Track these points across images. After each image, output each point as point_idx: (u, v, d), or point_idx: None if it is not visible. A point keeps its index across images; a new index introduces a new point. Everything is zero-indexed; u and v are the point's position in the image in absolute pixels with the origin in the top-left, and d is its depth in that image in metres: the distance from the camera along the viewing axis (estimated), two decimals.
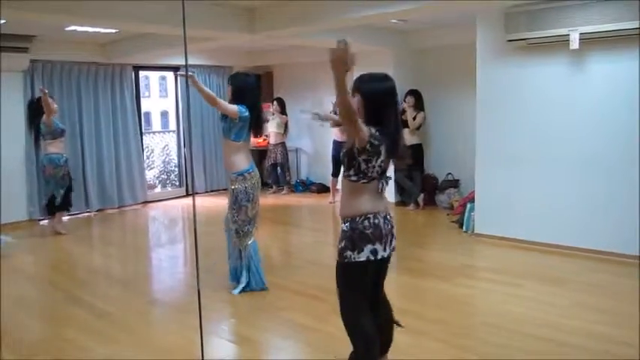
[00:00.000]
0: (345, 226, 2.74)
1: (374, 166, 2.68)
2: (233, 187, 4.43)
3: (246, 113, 4.34)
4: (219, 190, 9.93)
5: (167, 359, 3.47)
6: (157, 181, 10.28)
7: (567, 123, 5.55)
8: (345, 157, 2.72)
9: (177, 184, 10.09)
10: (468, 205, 6.56)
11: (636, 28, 4.82)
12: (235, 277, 4.73)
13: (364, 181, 2.70)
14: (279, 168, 9.55)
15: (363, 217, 2.70)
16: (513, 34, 5.56)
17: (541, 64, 5.67)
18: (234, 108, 4.31)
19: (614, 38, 5.08)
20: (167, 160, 10.31)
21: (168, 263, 5.99)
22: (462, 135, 7.71)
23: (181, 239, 7.21)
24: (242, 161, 4.41)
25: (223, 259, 5.49)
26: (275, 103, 9.45)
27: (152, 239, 7.22)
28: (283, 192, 9.60)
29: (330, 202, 8.65)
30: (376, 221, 2.71)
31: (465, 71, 7.01)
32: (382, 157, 2.68)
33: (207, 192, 9.85)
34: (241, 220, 4.48)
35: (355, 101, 2.70)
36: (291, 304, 4.44)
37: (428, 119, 8.06)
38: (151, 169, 10.17)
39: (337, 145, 8.48)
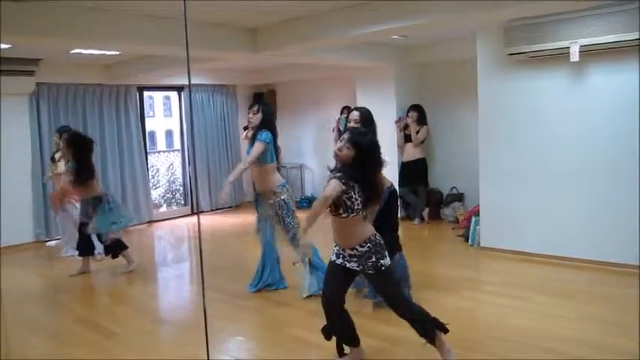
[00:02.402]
0: (366, 247, 3.24)
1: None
2: (280, 197, 4.82)
3: (270, 137, 4.76)
4: (224, 208, 9.95)
5: None
6: (163, 201, 10.32)
7: (569, 135, 5.57)
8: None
9: (183, 202, 10.12)
10: (474, 219, 6.55)
11: (636, 39, 4.84)
12: (262, 283, 5.11)
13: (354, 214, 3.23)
14: None
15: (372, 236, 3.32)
16: (513, 48, 5.60)
17: (542, 76, 5.70)
18: (259, 145, 4.69)
19: (614, 50, 5.11)
20: (172, 179, 10.35)
21: (175, 282, 5.99)
22: (465, 148, 7.72)
23: (187, 258, 7.21)
24: (278, 177, 4.93)
25: (230, 276, 5.52)
26: None
27: (158, 258, 7.23)
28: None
29: None
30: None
31: (467, 85, 7.04)
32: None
33: (212, 210, 9.87)
34: (296, 223, 4.81)
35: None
36: (298, 320, 4.43)
37: (431, 133, 8.09)
38: (157, 188, 10.21)
39: None
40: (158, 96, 19.09)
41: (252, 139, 4.80)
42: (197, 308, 4.84)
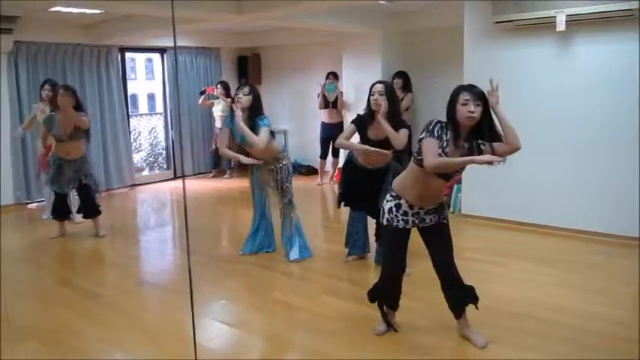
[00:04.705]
0: (442, 199, 3.44)
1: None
2: (283, 162, 4.96)
3: (269, 121, 4.81)
4: (206, 172, 9.92)
5: (158, 340, 3.51)
6: (145, 164, 10.23)
7: (554, 104, 5.60)
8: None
9: (165, 166, 10.06)
10: (455, 186, 6.62)
11: (621, 10, 4.85)
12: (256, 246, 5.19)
13: None
14: None
15: None
16: (501, 16, 5.57)
17: (528, 45, 5.69)
18: (266, 130, 4.68)
19: (601, 20, 5.11)
20: (154, 142, 10.25)
21: (158, 245, 5.99)
22: None
23: (170, 222, 7.21)
24: (277, 144, 5.02)
25: (213, 240, 5.54)
26: (219, 86, 9.01)
27: (141, 222, 7.21)
28: (226, 176, 9.65)
29: (319, 184, 8.68)
30: None
31: (453, 53, 7.01)
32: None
33: (194, 174, 9.84)
34: (291, 191, 5.01)
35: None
36: (281, 285, 4.48)
37: (416, 101, 8.08)
38: (139, 152, 10.10)
39: (326, 127, 8.50)
40: (140, 58, 18.76)
41: (251, 123, 4.69)
42: (180, 271, 4.87)
